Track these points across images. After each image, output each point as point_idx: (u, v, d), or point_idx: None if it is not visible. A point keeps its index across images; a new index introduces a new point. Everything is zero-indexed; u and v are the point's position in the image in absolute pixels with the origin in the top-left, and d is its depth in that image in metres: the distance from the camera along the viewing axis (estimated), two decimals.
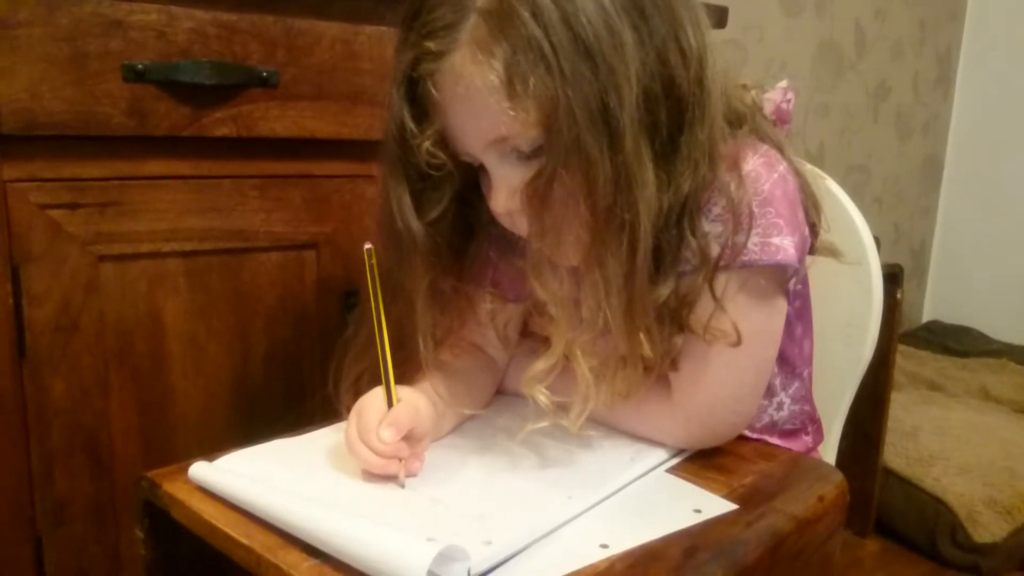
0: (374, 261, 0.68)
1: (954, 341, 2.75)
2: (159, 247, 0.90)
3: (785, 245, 0.70)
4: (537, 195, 0.65)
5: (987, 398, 2.29)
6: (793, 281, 0.76)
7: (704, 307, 0.70)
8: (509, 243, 0.77)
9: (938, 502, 1.76)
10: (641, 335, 0.68)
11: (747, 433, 0.81)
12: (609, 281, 0.65)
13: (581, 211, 0.65)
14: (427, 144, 0.67)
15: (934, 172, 2.96)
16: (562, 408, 0.70)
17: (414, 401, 0.72)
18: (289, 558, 0.57)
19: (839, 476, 0.74)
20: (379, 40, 0.98)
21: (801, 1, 2.24)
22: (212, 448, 0.73)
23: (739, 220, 0.69)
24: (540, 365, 0.69)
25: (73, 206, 0.84)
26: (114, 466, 0.90)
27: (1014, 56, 2.76)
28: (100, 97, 0.82)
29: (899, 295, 1.13)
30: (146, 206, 0.88)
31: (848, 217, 0.96)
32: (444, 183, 0.71)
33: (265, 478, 0.66)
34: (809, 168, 0.99)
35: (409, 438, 0.69)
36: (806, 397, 0.86)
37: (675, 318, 0.71)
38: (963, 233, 2.96)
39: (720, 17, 1.29)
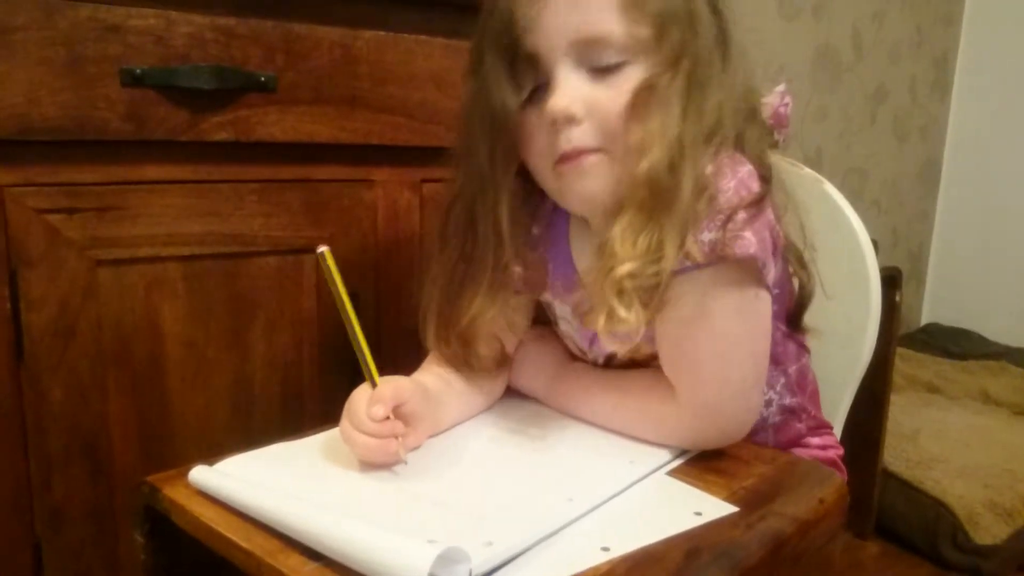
0: (331, 262, 0.71)
1: (953, 344, 2.75)
2: (157, 251, 0.89)
3: (753, 239, 0.70)
4: (654, 96, 0.69)
5: (987, 400, 2.29)
6: (771, 282, 0.76)
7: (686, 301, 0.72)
8: (524, 238, 0.81)
9: (938, 504, 1.76)
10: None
11: None
12: (683, 200, 0.68)
13: (685, 120, 0.69)
14: (524, 25, 0.70)
15: (932, 175, 2.96)
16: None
17: (395, 380, 0.74)
18: (290, 562, 0.56)
19: (839, 478, 0.74)
20: (378, 45, 0.98)
21: (799, 5, 2.24)
22: (211, 452, 0.72)
23: (711, 218, 0.69)
24: (624, 268, 0.68)
25: (71, 211, 0.84)
26: (113, 470, 0.90)
27: (1011, 60, 2.77)
28: (98, 102, 0.82)
29: (898, 298, 1.13)
30: (144, 210, 0.88)
31: (846, 220, 0.96)
32: (529, 71, 0.73)
33: (265, 482, 0.66)
34: (807, 172, 0.99)
35: (402, 418, 0.71)
36: (796, 391, 0.87)
37: None
38: (961, 236, 2.96)
39: None
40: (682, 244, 0.68)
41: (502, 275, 0.79)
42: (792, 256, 0.81)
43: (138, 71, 0.83)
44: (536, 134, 0.74)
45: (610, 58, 0.70)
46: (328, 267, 0.72)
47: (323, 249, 0.72)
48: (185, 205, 0.90)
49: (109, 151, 0.85)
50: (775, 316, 0.82)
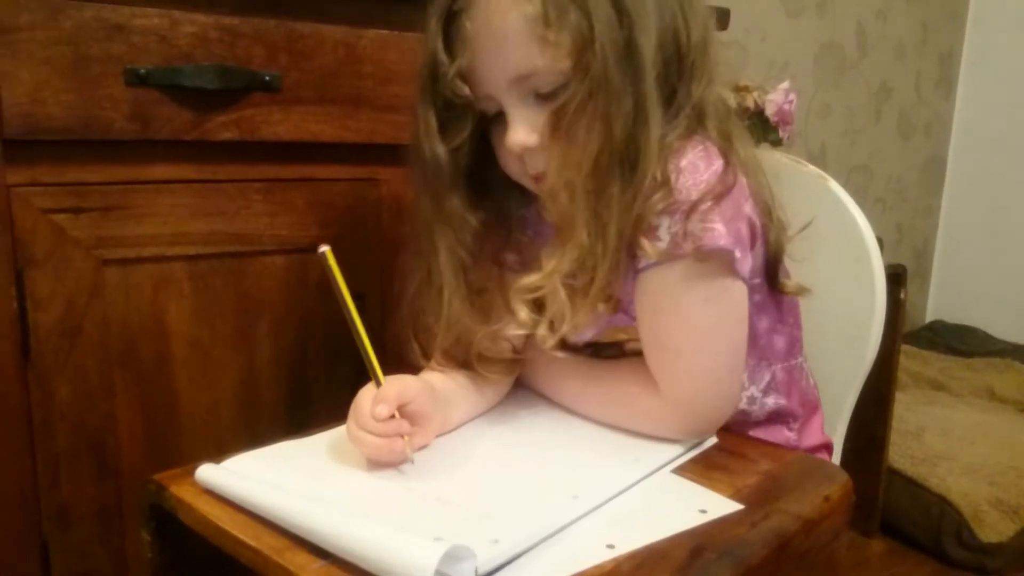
0: (332, 262, 0.72)
1: (958, 341, 2.74)
2: (163, 251, 0.90)
3: (724, 231, 0.72)
4: (563, 124, 0.71)
5: (992, 398, 2.28)
6: (749, 273, 0.77)
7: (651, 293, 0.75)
8: (516, 217, 0.83)
9: (943, 502, 1.76)
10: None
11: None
12: (611, 207, 0.70)
13: (601, 140, 0.70)
14: (452, 72, 0.73)
15: (937, 172, 2.95)
16: (536, 324, 0.75)
17: (401, 378, 0.75)
18: (297, 560, 0.57)
19: (844, 476, 0.73)
20: (382, 44, 0.98)
21: (803, 2, 2.24)
22: (218, 451, 0.73)
23: (681, 209, 0.71)
24: (531, 279, 0.74)
25: (77, 210, 0.84)
26: (120, 469, 0.90)
27: (1016, 56, 2.76)
28: (102, 101, 0.83)
29: (902, 295, 1.13)
30: (150, 210, 0.88)
31: (850, 217, 0.96)
32: (466, 112, 0.76)
33: (272, 480, 0.66)
34: (811, 169, 0.99)
35: (409, 417, 0.71)
36: (781, 392, 0.87)
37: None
38: (966, 233, 2.95)
39: (722, 18, 1.29)
40: (602, 261, 0.71)
41: (486, 299, 0.81)
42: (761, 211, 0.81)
43: (142, 71, 0.83)
44: (510, 155, 0.77)
45: (548, 86, 0.72)
46: (330, 267, 0.72)
47: (324, 249, 0.73)
48: (190, 205, 0.91)
49: (114, 151, 0.86)
50: (759, 308, 0.82)
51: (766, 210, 0.79)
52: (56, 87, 0.80)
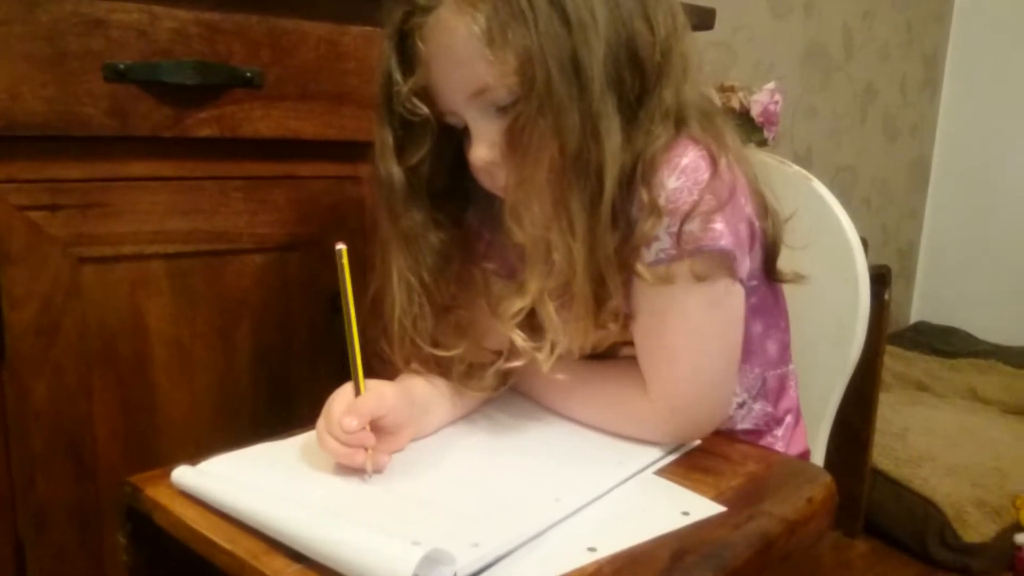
0: (345, 261, 0.71)
1: (942, 342, 2.76)
2: (142, 249, 0.89)
3: (726, 231, 0.71)
4: (515, 139, 0.70)
5: (975, 398, 2.30)
6: (747, 276, 0.77)
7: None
8: (498, 221, 0.81)
9: (927, 503, 1.77)
10: (606, 278, 0.72)
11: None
12: (574, 225, 0.69)
13: (552, 155, 0.69)
14: (406, 90, 0.74)
15: (921, 173, 2.97)
16: (536, 349, 0.73)
17: (380, 390, 0.74)
18: (273, 563, 0.56)
19: (827, 477, 0.73)
20: (365, 40, 0.97)
21: (789, 3, 2.24)
22: (197, 451, 0.72)
23: (682, 209, 0.70)
24: (515, 305, 0.73)
25: (54, 208, 0.83)
26: (97, 470, 0.89)
27: (1000, 57, 2.78)
28: (81, 97, 0.81)
29: (887, 296, 1.13)
30: (128, 207, 0.87)
31: (834, 218, 0.96)
32: (425, 129, 0.76)
33: (249, 482, 0.66)
34: (795, 170, 0.99)
35: (380, 429, 0.71)
36: (770, 399, 0.87)
37: (624, 265, 0.73)
38: (950, 234, 2.97)
39: (708, 19, 1.29)
40: (581, 279, 0.70)
41: (460, 315, 0.80)
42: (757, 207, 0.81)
43: (121, 66, 0.82)
44: (478, 170, 0.76)
45: (503, 100, 0.71)
46: (342, 266, 0.71)
47: (341, 247, 0.72)
48: (170, 202, 0.89)
49: (93, 147, 0.84)
50: (754, 311, 0.82)
51: (762, 204, 0.79)
52: (34, 82, 0.79)
